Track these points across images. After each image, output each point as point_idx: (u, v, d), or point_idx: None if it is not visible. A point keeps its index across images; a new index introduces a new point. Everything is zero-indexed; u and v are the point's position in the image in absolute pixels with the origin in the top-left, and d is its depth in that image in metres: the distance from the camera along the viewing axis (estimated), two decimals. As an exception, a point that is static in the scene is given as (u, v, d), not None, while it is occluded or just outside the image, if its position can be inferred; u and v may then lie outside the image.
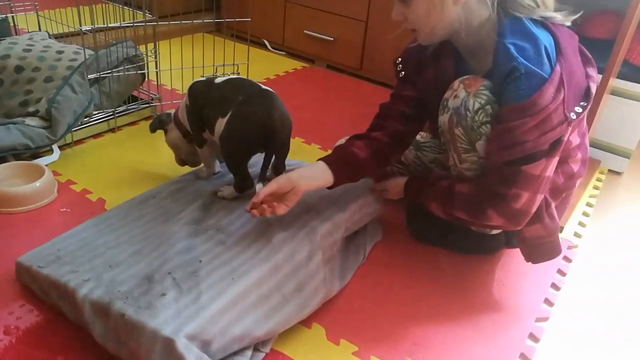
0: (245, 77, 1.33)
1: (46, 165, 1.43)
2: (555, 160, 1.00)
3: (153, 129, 1.41)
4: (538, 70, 0.94)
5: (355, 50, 2.37)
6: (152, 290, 0.93)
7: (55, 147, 1.53)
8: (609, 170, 1.83)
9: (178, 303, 0.91)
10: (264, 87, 1.23)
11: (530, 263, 1.17)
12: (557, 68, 0.95)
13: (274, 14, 2.60)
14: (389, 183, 1.28)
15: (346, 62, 2.44)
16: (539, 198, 1.02)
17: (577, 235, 1.46)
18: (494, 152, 1.00)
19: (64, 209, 1.33)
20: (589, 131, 1.47)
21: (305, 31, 2.50)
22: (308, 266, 1.06)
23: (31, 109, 1.55)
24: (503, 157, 0.98)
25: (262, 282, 0.99)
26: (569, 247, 1.40)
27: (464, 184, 1.08)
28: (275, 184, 1.09)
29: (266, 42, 2.69)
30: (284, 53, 2.64)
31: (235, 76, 1.32)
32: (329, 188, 1.16)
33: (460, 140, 1.06)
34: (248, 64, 1.93)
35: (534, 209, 1.02)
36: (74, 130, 1.58)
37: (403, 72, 1.23)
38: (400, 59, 1.25)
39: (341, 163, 1.16)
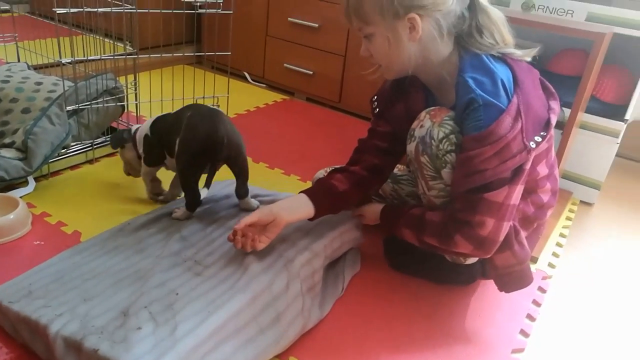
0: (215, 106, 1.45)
1: (20, 197, 1.41)
2: (519, 188, 1.03)
3: (115, 146, 1.50)
4: (495, 102, 0.98)
5: (334, 84, 2.42)
6: (127, 324, 0.92)
7: (30, 178, 1.51)
8: (581, 201, 1.87)
9: (154, 336, 0.90)
10: (213, 107, 1.35)
11: (505, 294, 1.18)
12: (515, 99, 1.00)
13: (254, 47, 2.64)
14: (365, 209, 1.30)
15: (325, 94, 2.48)
16: (506, 225, 1.04)
17: (551, 265, 1.48)
18: (458, 179, 1.04)
19: (38, 242, 1.31)
20: (559, 163, 1.52)
21: (285, 65, 2.54)
22: (286, 296, 1.06)
23: (7, 140, 1.53)
24: (465, 185, 1.02)
25: (239, 313, 0.98)
26: (544, 278, 1.42)
27: (435, 212, 1.11)
28: (256, 216, 1.12)
29: (247, 74, 2.72)
30: (264, 85, 2.68)
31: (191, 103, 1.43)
32: (310, 220, 1.19)
33: (427, 168, 1.10)
34: (228, 96, 1.95)
35: (501, 237, 1.05)
36: (50, 162, 1.57)
37: (377, 109, 1.29)
38: (375, 97, 1.30)
39: (322, 195, 1.19)
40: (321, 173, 1.47)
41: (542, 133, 1.04)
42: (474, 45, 1.06)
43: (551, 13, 1.74)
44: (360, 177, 1.23)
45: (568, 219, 1.74)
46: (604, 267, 1.52)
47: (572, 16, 1.71)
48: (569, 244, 1.61)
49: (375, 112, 1.29)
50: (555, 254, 1.54)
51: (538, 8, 1.75)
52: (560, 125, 1.65)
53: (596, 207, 1.87)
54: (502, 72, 1.02)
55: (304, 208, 1.17)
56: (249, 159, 1.85)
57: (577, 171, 1.86)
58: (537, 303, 1.32)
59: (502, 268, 1.13)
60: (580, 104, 1.47)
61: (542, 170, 1.15)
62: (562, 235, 1.64)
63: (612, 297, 1.39)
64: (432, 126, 1.07)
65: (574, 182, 1.87)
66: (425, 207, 1.15)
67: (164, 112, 1.46)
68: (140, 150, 1.44)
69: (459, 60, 1.07)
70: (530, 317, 1.27)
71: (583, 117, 1.73)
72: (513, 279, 1.14)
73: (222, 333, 0.95)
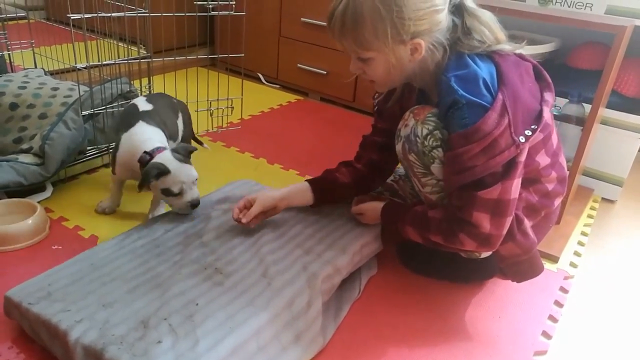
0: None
1: (38, 202, 1.43)
2: (515, 182, 1.03)
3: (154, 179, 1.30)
4: (478, 100, 0.99)
5: (348, 83, 2.40)
6: (147, 336, 0.91)
7: (48, 183, 1.53)
8: (603, 199, 1.83)
9: (174, 350, 0.89)
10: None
11: (527, 294, 1.18)
12: (499, 96, 0.99)
13: (268, 48, 2.64)
14: (365, 207, 1.29)
15: (339, 94, 2.47)
16: (508, 220, 1.04)
17: (572, 265, 1.45)
18: (448, 177, 1.05)
19: (56, 247, 1.32)
20: (580, 160, 1.48)
21: (298, 65, 2.54)
22: (307, 314, 1.05)
23: (25, 146, 1.55)
24: (457, 182, 1.03)
25: (260, 331, 0.97)
26: (565, 278, 1.39)
27: (436, 210, 1.11)
28: (260, 206, 1.24)
29: (260, 75, 2.72)
30: (278, 86, 2.67)
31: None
32: (311, 207, 1.32)
33: (416, 166, 1.11)
34: (242, 98, 1.94)
35: (504, 231, 1.05)
36: (67, 167, 1.58)
37: (377, 107, 1.31)
38: (376, 94, 1.32)
39: (323, 185, 1.32)
40: None
41: (532, 126, 1.03)
42: (462, 46, 1.05)
43: (569, 7, 1.70)
44: (362, 172, 1.32)
45: (590, 217, 1.71)
46: (628, 266, 1.49)
47: (590, 9, 1.67)
48: (591, 242, 1.57)
49: (375, 109, 1.32)
50: (577, 253, 1.50)
51: (555, 2, 1.71)
52: (580, 121, 1.62)
53: (618, 204, 1.82)
54: (484, 70, 1.02)
55: (304, 196, 1.30)
56: (264, 161, 1.85)
57: (598, 168, 1.82)
58: (559, 304, 1.29)
59: (509, 258, 1.14)
60: (601, 99, 1.43)
61: (543, 159, 1.14)
62: (583, 233, 1.61)
63: (637, 297, 1.36)
64: (415, 124, 1.08)
65: (595, 179, 1.83)
66: (426, 206, 1.15)
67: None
68: None
69: (445, 62, 1.07)
70: (553, 318, 1.24)
71: (604, 112, 1.70)
72: (522, 268, 1.15)
73: (246, 352, 0.93)
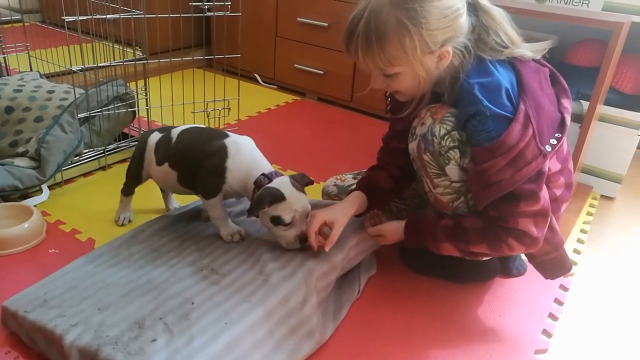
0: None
1: (35, 205, 1.42)
2: (544, 188, 1.02)
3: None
4: (502, 112, 0.97)
5: (345, 83, 2.40)
6: (142, 335, 0.91)
7: (44, 186, 1.52)
8: (602, 196, 1.83)
9: (169, 347, 0.89)
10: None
11: (527, 292, 1.17)
12: (522, 106, 0.98)
13: (264, 49, 2.63)
14: (385, 228, 1.21)
15: (337, 94, 2.46)
16: (547, 221, 1.05)
17: (572, 262, 1.44)
18: (476, 191, 1.04)
19: (53, 251, 1.31)
20: (579, 157, 1.48)
21: (295, 65, 2.53)
22: (302, 311, 1.04)
23: (21, 150, 1.54)
24: (484, 197, 1.01)
25: (255, 327, 0.97)
26: (565, 276, 1.38)
27: (473, 219, 1.09)
28: (340, 229, 1.15)
29: (257, 76, 2.71)
30: (275, 87, 2.67)
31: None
32: (357, 216, 1.24)
33: (430, 166, 1.09)
34: (239, 99, 1.94)
35: (545, 231, 1.06)
36: (63, 170, 1.57)
37: (389, 106, 1.27)
38: (387, 92, 1.26)
39: (374, 193, 1.24)
40: (331, 181, 1.46)
41: (556, 135, 1.02)
42: (483, 50, 1.03)
43: (566, 4, 1.70)
44: (397, 178, 1.25)
45: (589, 214, 1.70)
46: (628, 263, 1.48)
47: (587, 6, 1.67)
48: (590, 240, 1.57)
49: (388, 108, 1.28)
50: (576, 251, 1.50)
51: (552, -1, 1.71)
52: (578, 118, 1.61)
53: (618, 201, 1.82)
54: (505, 78, 1.00)
55: (364, 206, 1.23)
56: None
57: (597, 165, 1.81)
58: (559, 302, 1.28)
59: (540, 256, 1.13)
60: (599, 95, 1.43)
61: (554, 165, 1.12)
62: (583, 231, 1.60)
63: (637, 294, 1.35)
64: (433, 123, 1.06)
65: (594, 176, 1.83)
66: (451, 216, 1.12)
67: (175, 117, 1.44)
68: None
69: (463, 63, 1.03)
70: (553, 317, 1.23)
71: (602, 109, 1.69)
72: (554, 265, 1.15)
73: (241, 348, 0.93)
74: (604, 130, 1.74)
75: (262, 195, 1.12)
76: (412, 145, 1.12)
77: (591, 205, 1.75)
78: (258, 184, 1.16)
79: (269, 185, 1.14)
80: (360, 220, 1.28)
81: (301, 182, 1.21)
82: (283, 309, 1.02)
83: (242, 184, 1.19)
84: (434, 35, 0.97)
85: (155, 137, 1.33)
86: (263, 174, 1.17)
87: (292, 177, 1.20)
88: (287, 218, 1.13)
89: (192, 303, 1.00)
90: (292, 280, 1.07)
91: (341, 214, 1.17)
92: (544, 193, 1.02)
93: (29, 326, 0.98)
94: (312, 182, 1.25)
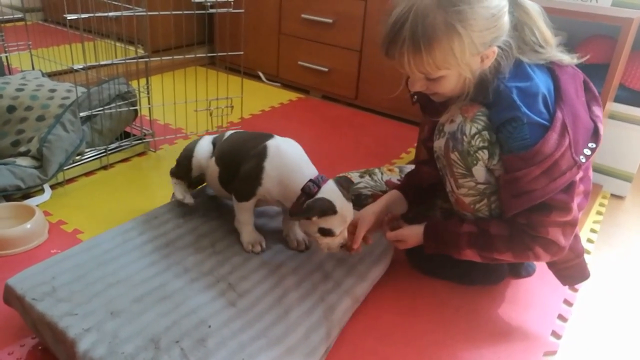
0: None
1: (37, 205, 1.41)
2: (575, 199, 1.01)
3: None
4: (539, 120, 0.94)
5: (350, 80, 2.37)
6: (158, 359, 0.89)
7: (46, 186, 1.51)
8: (612, 195, 1.80)
9: None
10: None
11: (536, 294, 1.17)
12: (558, 114, 0.95)
13: (267, 46, 2.61)
14: (405, 233, 1.18)
15: (341, 92, 2.44)
16: (575, 230, 1.04)
17: (582, 263, 1.42)
18: (506, 200, 1.01)
19: (55, 251, 1.29)
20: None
21: (299, 62, 2.51)
22: (324, 345, 1.02)
23: (22, 149, 1.53)
24: (514, 206, 0.99)
25: None
26: (575, 276, 1.36)
27: (498, 226, 1.06)
28: (365, 227, 1.17)
29: (261, 74, 2.69)
30: (279, 84, 2.65)
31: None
32: (402, 215, 1.24)
33: (457, 165, 1.05)
34: (242, 97, 1.92)
35: (572, 238, 1.04)
36: (65, 169, 1.56)
37: (417, 102, 1.23)
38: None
39: (414, 191, 1.26)
40: (343, 176, 1.43)
41: (590, 145, 0.99)
42: (521, 47, 1.00)
43: (575, -1, 1.67)
44: (436, 174, 1.20)
45: (599, 213, 1.67)
46: (638, 263, 1.45)
47: (597, 1, 1.64)
48: (600, 239, 1.54)
49: (414, 101, 1.23)
50: (586, 251, 1.47)
51: (561, -6, 1.68)
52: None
53: (628, 200, 1.79)
54: (543, 84, 0.98)
55: (402, 204, 1.25)
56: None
57: (607, 163, 1.78)
58: (568, 303, 1.26)
59: (561, 263, 1.12)
60: (609, 93, 1.41)
61: None
62: (593, 230, 1.58)
63: (648, 295, 1.33)
64: (463, 121, 1.02)
65: (604, 174, 1.80)
66: (474, 221, 1.10)
67: (177, 115, 1.42)
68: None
69: (501, 64, 0.99)
70: (562, 318, 1.21)
71: (612, 106, 1.67)
72: (573, 272, 1.15)
73: None
74: (614, 128, 1.72)
75: (314, 207, 1.08)
76: (439, 143, 1.08)
77: (601, 205, 1.73)
78: (307, 191, 1.10)
79: (320, 196, 1.09)
80: (382, 247, 1.26)
81: (347, 187, 1.17)
82: (305, 346, 0.99)
83: (281, 188, 1.14)
84: (483, 37, 0.94)
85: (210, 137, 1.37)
86: (311, 180, 1.11)
87: (337, 181, 1.16)
88: (337, 231, 1.10)
89: (209, 327, 0.97)
90: (311, 317, 1.04)
91: (365, 211, 1.20)
92: (575, 204, 1.00)
93: (37, 317, 0.95)
94: (354, 185, 1.27)
